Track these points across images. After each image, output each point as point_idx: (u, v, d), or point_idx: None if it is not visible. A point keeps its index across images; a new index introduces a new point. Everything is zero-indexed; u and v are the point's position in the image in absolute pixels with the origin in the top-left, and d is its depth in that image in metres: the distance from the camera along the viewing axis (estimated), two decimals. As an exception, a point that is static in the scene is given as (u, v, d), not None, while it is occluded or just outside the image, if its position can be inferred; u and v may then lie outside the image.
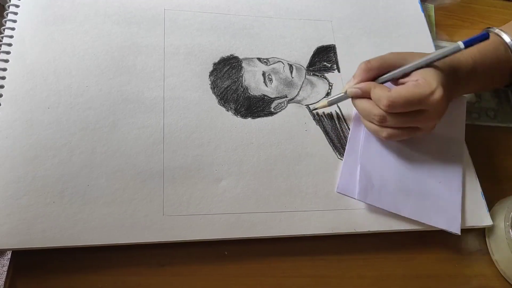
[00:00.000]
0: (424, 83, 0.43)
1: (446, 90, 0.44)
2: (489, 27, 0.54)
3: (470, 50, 0.46)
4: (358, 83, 0.47)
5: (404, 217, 0.46)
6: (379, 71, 0.47)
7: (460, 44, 0.43)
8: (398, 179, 0.48)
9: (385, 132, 0.46)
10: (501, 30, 0.52)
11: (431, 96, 0.43)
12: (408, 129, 0.46)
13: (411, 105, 0.43)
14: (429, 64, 0.45)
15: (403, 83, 0.46)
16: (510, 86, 0.54)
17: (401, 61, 0.46)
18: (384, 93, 0.43)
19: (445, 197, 0.48)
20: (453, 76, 0.47)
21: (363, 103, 0.46)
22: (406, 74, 0.46)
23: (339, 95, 0.49)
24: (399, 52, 0.48)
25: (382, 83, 0.46)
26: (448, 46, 0.45)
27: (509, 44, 0.51)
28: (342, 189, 0.47)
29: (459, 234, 0.46)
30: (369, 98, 0.46)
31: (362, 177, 0.47)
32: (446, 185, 0.49)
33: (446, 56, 0.45)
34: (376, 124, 0.46)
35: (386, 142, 0.49)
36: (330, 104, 0.50)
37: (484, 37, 0.43)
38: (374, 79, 0.47)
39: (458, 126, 0.53)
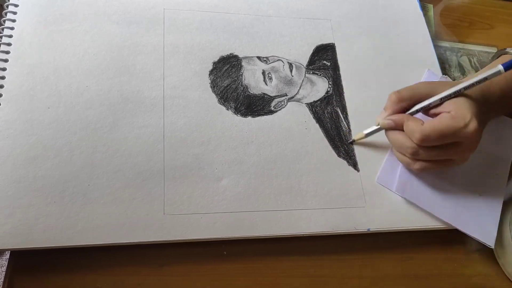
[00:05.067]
0: (457, 115, 0.42)
1: (480, 120, 0.43)
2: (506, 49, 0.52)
3: (498, 79, 0.46)
4: (390, 114, 0.46)
5: (403, 216, 0.46)
6: (410, 102, 0.46)
7: (500, 68, 0.42)
8: (438, 183, 0.48)
9: (417, 164, 0.45)
10: None
11: (465, 128, 0.42)
12: (441, 161, 0.45)
13: (445, 138, 0.42)
14: (461, 93, 0.44)
15: (435, 114, 0.45)
16: None
17: (431, 91, 0.46)
18: (418, 126, 0.43)
19: (483, 210, 0.48)
20: (485, 106, 0.46)
21: (396, 135, 0.46)
22: (438, 104, 0.45)
23: (374, 128, 0.48)
24: (429, 82, 0.47)
25: (414, 113, 0.46)
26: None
27: None
28: (382, 180, 0.48)
29: (492, 247, 0.46)
30: (402, 130, 0.45)
31: (402, 173, 0.49)
32: (486, 199, 0.49)
33: (482, 81, 0.44)
34: (408, 157, 0.46)
35: None
36: (367, 136, 0.49)
37: None
38: (405, 110, 0.46)
39: (506, 146, 0.53)
